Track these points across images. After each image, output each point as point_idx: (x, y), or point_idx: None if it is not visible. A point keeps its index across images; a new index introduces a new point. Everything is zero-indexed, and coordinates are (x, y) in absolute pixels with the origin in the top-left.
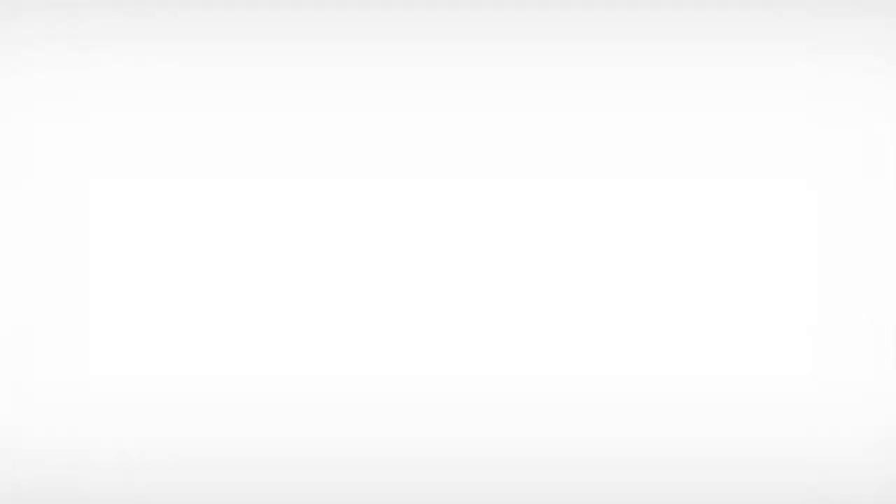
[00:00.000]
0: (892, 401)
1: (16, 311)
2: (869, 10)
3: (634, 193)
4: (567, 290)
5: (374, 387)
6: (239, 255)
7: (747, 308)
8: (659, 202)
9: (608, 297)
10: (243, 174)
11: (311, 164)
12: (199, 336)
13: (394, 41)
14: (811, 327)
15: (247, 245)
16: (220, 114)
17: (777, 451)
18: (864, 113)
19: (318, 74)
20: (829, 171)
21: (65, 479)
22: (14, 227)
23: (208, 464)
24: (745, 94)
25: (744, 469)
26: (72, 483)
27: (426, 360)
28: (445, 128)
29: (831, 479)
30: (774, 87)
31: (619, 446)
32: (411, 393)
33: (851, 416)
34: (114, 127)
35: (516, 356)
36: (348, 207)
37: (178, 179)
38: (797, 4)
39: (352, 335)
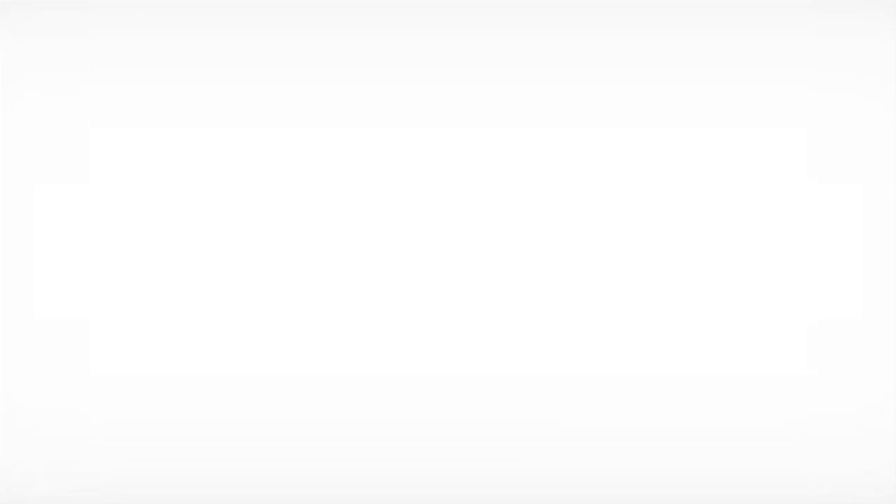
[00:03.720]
0: (892, 401)
1: (15, 310)
2: (869, 11)
3: (632, 193)
4: (565, 292)
5: (373, 386)
6: (238, 254)
7: (745, 308)
8: (657, 203)
9: (605, 297)
10: (244, 174)
11: (312, 158)
12: (199, 336)
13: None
14: (809, 328)
15: (246, 244)
16: (220, 113)
17: (775, 451)
18: (864, 113)
19: (318, 71)
20: (828, 171)
21: (65, 478)
22: (14, 227)
23: (209, 463)
24: (746, 94)
25: (743, 468)
26: (72, 482)
27: (423, 353)
28: (445, 87)
29: (830, 479)
30: (775, 87)
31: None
32: (409, 392)
33: (850, 417)
34: (114, 127)
35: (513, 354)
36: (349, 203)
37: (177, 179)
38: (797, 4)
39: (352, 337)
